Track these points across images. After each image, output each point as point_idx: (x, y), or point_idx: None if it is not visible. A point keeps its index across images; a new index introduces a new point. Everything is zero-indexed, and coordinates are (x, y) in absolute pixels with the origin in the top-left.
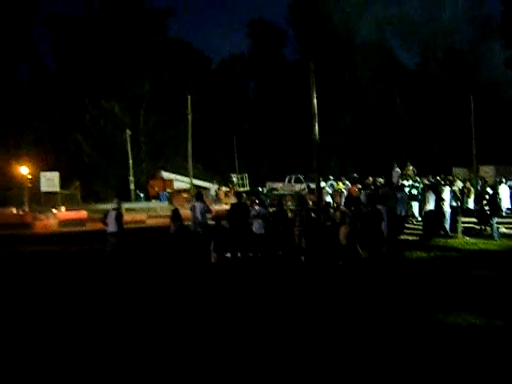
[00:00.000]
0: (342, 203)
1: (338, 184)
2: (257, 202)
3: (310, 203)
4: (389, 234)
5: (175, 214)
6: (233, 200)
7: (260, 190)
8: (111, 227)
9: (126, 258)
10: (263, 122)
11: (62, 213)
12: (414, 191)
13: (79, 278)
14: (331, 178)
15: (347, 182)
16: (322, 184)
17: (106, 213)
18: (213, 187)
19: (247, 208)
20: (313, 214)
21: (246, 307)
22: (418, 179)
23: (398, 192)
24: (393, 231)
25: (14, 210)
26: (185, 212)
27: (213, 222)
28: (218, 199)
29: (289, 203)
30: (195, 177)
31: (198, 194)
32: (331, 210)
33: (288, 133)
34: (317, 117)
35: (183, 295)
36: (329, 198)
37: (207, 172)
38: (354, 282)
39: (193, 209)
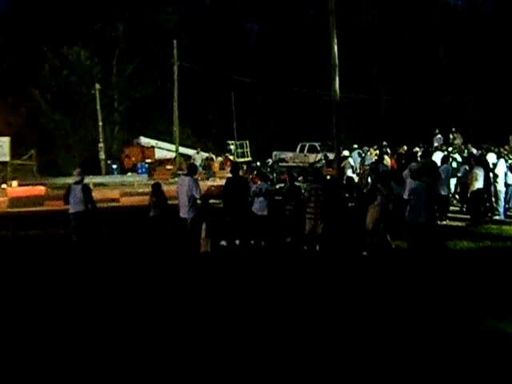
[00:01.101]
0: (369, 178)
1: (371, 153)
2: (258, 175)
3: (328, 178)
4: (427, 218)
5: (156, 191)
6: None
7: (264, 161)
8: (76, 206)
9: (98, 246)
10: (269, 76)
11: (14, 188)
12: (454, 164)
13: (37, 272)
14: (356, 146)
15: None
16: (345, 153)
17: (68, 188)
18: (198, 156)
19: (246, 183)
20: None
21: (244, 311)
22: (466, 149)
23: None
24: (432, 215)
25: None
26: (169, 189)
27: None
28: (210, 172)
29: (300, 178)
30: (182, 144)
31: (191, 166)
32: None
33: (300, 89)
34: (337, 69)
35: (167, 297)
36: (351, 172)
37: (198, 138)
38: (381, 279)
39: (180, 184)
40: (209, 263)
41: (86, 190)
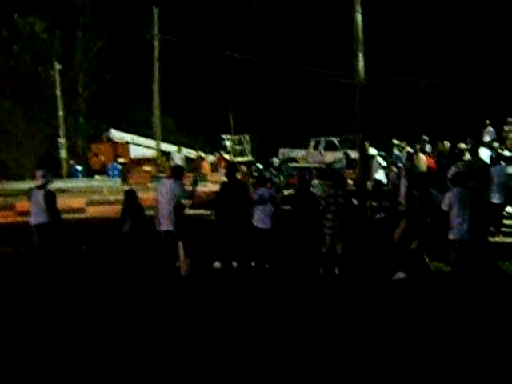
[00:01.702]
0: (404, 183)
1: (403, 149)
2: (259, 178)
3: (350, 183)
4: (473, 233)
5: (130, 200)
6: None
7: (268, 161)
8: (37, 216)
9: (59, 268)
10: (274, 53)
11: None
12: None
13: None
14: (396, 142)
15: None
16: (372, 151)
17: (29, 194)
18: (178, 156)
19: (245, 189)
20: (354, 201)
21: (237, 360)
22: None
23: (492, 166)
24: (481, 230)
25: None
26: (147, 196)
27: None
28: (198, 175)
29: (315, 182)
30: (165, 139)
31: (177, 169)
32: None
33: (315, 70)
34: (362, 44)
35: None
36: (381, 175)
37: (184, 132)
38: (416, 312)
39: (160, 190)
40: (193, 291)
41: (50, 197)
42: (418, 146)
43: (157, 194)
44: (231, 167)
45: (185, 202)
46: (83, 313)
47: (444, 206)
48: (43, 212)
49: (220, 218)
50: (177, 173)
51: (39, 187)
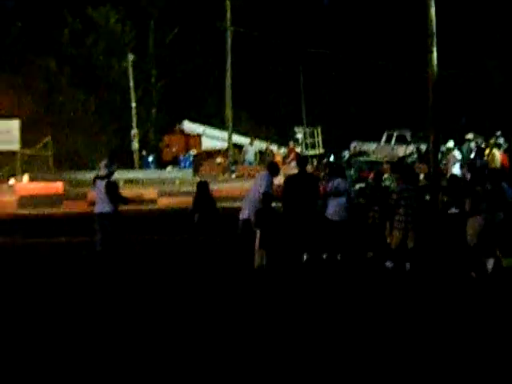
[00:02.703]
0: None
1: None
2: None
3: (422, 177)
4: None
5: (202, 191)
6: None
7: (338, 154)
8: (99, 205)
9: (127, 255)
10: (346, 46)
11: (24, 185)
12: None
13: (50, 291)
14: (470, 136)
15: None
16: (449, 144)
17: (93, 183)
18: (250, 148)
19: (316, 182)
20: (426, 196)
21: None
22: None
23: None
24: None
25: None
26: (219, 188)
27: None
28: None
29: (386, 176)
30: (237, 131)
31: (272, 164)
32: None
33: (387, 63)
34: (435, 38)
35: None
36: (456, 169)
37: (256, 124)
38: (489, 310)
39: (255, 180)
40: (266, 282)
41: (111, 187)
42: (492, 142)
43: (254, 186)
44: (302, 160)
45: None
46: (146, 303)
47: None
48: (105, 202)
49: (287, 210)
50: (272, 168)
51: (102, 177)
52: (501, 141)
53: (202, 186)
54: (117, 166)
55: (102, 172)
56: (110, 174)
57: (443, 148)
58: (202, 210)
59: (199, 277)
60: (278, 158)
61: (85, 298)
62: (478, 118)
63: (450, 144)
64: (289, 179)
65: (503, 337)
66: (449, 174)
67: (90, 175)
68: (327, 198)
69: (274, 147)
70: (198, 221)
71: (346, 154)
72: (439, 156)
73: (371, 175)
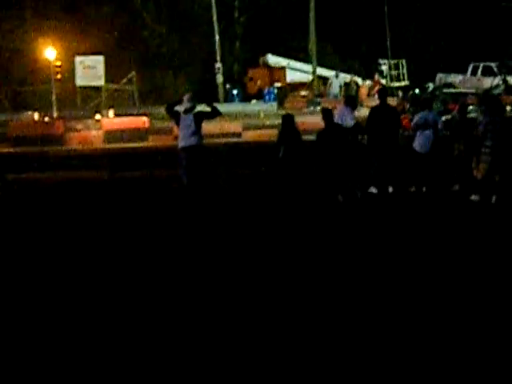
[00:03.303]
0: None
1: None
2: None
3: (509, 109)
4: None
5: (287, 124)
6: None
7: (423, 86)
8: (187, 139)
9: (214, 193)
10: None
11: (110, 119)
12: None
13: (136, 224)
14: None
15: None
16: None
17: (176, 117)
18: (336, 81)
19: (397, 114)
20: None
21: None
22: None
23: None
24: None
25: (36, 116)
26: (303, 120)
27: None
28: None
29: (471, 107)
30: (321, 64)
31: (350, 98)
32: None
33: None
34: None
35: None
36: None
37: (340, 57)
38: None
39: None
40: (350, 218)
41: (199, 117)
42: None
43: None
44: (382, 91)
45: None
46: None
47: None
48: (194, 135)
49: (372, 144)
50: (349, 101)
51: (187, 111)
52: None
53: (288, 119)
54: (196, 100)
55: (186, 105)
56: (194, 106)
57: None
58: (288, 143)
59: (283, 211)
60: (363, 91)
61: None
62: None
63: None
64: (372, 112)
65: None
66: None
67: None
68: (415, 130)
69: (358, 80)
70: (284, 154)
71: (431, 86)
72: None
73: (456, 107)
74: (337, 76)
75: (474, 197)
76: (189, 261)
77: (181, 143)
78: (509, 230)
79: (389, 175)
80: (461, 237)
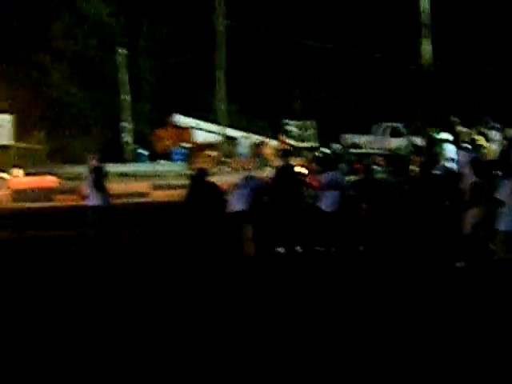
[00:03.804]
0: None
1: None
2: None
3: (416, 169)
4: None
5: (197, 182)
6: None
7: (330, 148)
8: (91, 198)
9: (119, 252)
10: (337, 38)
11: (18, 179)
12: None
13: (41, 283)
14: (462, 129)
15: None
16: (444, 135)
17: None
18: (245, 142)
19: (299, 175)
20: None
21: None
22: None
23: None
24: None
25: None
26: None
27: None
28: (260, 160)
29: (376, 168)
30: (229, 124)
31: (286, 152)
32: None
33: (379, 56)
34: (429, 29)
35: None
36: (450, 161)
37: (247, 117)
38: (480, 299)
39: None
40: (258, 274)
41: (97, 177)
42: (485, 131)
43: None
44: (284, 153)
45: None
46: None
47: (498, 195)
48: (94, 194)
49: (275, 204)
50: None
51: (91, 171)
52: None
53: (198, 178)
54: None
55: (92, 166)
56: (100, 168)
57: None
58: (199, 202)
59: (190, 269)
60: (269, 151)
61: (78, 293)
62: (472, 110)
63: (446, 135)
64: (277, 172)
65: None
66: (441, 166)
67: (82, 169)
68: (321, 190)
69: (267, 140)
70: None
71: (338, 146)
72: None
73: (362, 167)
74: (246, 137)
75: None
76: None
77: (87, 202)
78: (414, 289)
79: (295, 235)
80: (370, 295)
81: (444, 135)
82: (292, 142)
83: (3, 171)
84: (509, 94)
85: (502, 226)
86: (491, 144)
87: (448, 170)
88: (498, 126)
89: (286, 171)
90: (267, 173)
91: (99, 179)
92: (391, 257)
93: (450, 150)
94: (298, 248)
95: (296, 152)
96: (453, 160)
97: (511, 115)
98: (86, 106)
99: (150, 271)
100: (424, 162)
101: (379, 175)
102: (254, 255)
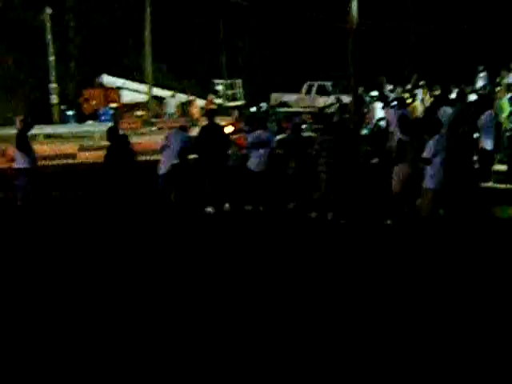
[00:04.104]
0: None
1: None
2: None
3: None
4: (467, 178)
5: (112, 137)
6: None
7: (260, 106)
8: (18, 161)
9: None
10: None
11: None
12: None
13: None
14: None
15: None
16: (373, 93)
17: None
18: (172, 101)
19: (224, 133)
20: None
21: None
22: None
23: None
24: (473, 174)
25: None
26: (139, 141)
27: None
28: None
29: (306, 126)
30: (158, 84)
31: (212, 111)
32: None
33: (307, 14)
34: None
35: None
36: (380, 121)
37: (176, 76)
38: (408, 255)
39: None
40: (188, 233)
41: (21, 137)
42: (415, 92)
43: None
44: (209, 112)
45: None
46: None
47: (426, 154)
48: (21, 157)
49: (202, 162)
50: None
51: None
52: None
53: (112, 132)
54: (31, 121)
55: (19, 126)
56: (26, 128)
57: (367, 98)
58: (121, 163)
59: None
60: (197, 110)
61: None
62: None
63: (374, 93)
64: (200, 131)
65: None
66: (372, 123)
67: (8, 131)
68: (249, 149)
69: (195, 99)
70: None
71: (266, 105)
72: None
73: (290, 126)
74: (173, 96)
75: (312, 214)
76: None
77: (14, 164)
78: (345, 246)
79: (223, 194)
80: (302, 253)
81: (372, 93)
82: (220, 101)
83: None
84: (434, 51)
85: (429, 184)
86: (419, 102)
87: (376, 129)
88: (424, 83)
89: (211, 130)
90: (195, 132)
91: (25, 141)
92: (320, 215)
93: (378, 109)
94: (227, 206)
95: (224, 111)
96: (381, 119)
97: (438, 74)
98: (11, 68)
99: (80, 229)
100: (344, 120)
101: (307, 133)
102: (183, 215)
